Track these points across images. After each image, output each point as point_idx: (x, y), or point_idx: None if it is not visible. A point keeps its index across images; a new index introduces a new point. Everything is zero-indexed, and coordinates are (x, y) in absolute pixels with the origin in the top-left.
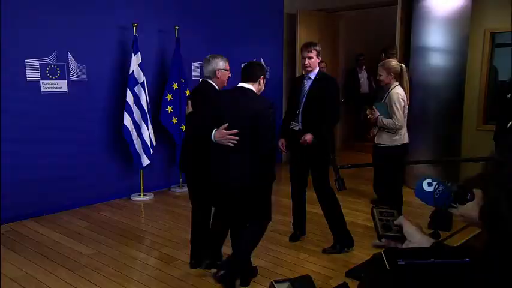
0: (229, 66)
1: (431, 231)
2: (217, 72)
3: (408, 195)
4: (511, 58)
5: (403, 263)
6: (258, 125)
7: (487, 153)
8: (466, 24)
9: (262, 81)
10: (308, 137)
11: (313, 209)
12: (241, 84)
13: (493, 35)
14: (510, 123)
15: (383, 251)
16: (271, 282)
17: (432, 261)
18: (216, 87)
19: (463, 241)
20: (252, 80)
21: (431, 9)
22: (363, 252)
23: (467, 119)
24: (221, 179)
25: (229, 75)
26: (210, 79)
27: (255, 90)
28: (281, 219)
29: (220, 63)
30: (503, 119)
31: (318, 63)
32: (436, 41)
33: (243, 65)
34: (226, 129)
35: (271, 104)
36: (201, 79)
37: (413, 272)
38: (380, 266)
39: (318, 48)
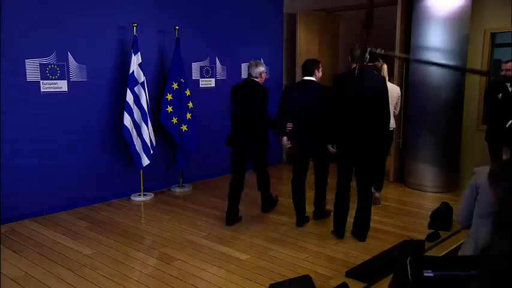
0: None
1: (431, 231)
2: (262, 73)
3: (408, 195)
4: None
5: (430, 274)
6: (325, 103)
7: (486, 153)
8: (466, 24)
9: (317, 72)
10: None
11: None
12: (305, 78)
13: (493, 35)
14: (510, 122)
15: (408, 260)
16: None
17: (469, 273)
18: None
19: (461, 241)
20: (310, 74)
21: (431, 9)
22: (363, 252)
23: (467, 119)
24: (299, 149)
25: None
26: (257, 79)
27: (315, 80)
28: (281, 219)
29: (263, 68)
30: (497, 119)
31: (375, 62)
32: (436, 40)
33: (243, 64)
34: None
35: (328, 86)
36: (248, 78)
37: (439, 284)
38: (403, 276)
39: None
